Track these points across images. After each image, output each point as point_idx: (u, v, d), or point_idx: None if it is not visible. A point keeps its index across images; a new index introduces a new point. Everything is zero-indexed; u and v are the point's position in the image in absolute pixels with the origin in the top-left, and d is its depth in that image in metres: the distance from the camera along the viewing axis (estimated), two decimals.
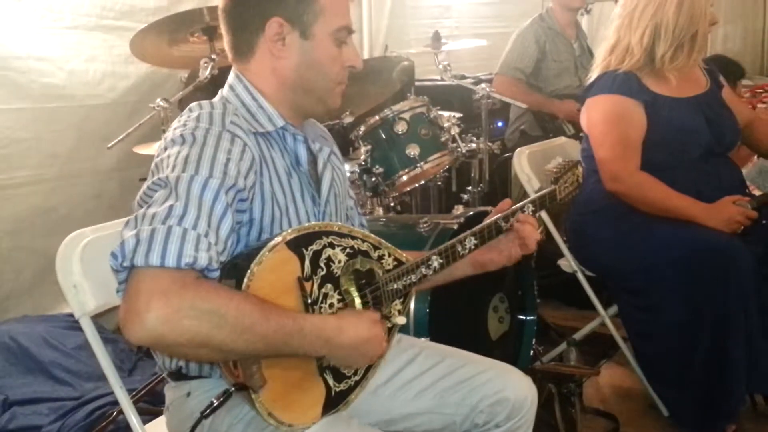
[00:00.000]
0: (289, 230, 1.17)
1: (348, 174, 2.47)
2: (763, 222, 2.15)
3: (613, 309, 2.45)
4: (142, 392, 2.17)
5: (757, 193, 2.44)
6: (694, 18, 2.17)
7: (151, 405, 2.15)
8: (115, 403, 1.54)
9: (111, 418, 2.14)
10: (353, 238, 1.28)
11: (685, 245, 2.09)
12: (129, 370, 2.58)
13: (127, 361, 2.60)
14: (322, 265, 1.21)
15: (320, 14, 1.30)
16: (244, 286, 1.08)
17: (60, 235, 1.45)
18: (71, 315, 1.47)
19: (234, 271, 1.11)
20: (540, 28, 3.59)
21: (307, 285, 1.18)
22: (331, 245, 1.23)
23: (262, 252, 1.11)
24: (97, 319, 1.48)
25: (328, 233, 1.23)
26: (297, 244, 1.17)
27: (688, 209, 2.15)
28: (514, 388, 1.47)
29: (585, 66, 3.66)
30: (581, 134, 2.44)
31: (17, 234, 2.85)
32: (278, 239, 1.14)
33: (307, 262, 1.18)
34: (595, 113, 2.29)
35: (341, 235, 1.26)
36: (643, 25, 2.19)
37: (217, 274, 1.08)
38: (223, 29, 1.36)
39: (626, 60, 2.23)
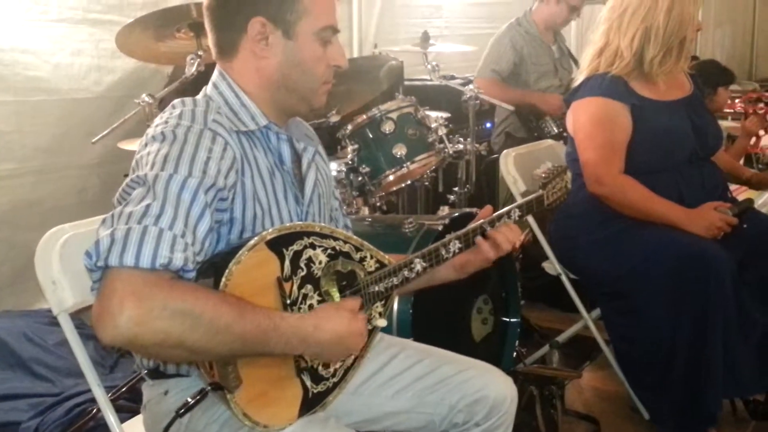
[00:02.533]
0: (270, 230, 1.16)
1: (334, 173, 2.47)
2: (744, 226, 2.16)
3: (597, 312, 2.45)
4: (123, 390, 2.16)
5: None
6: (684, 23, 2.18)
7: (131, 402, 2.14)
8: (96, 400, 1.54)
9: (91, 415, 2.12)
10: (335, 239, 1.27)
11: (667, 250, 2.10)
12: (110, 367, 2.55)
13: (108, 358, 2.58)
14: (302, 265, 1.20)
15: (304, 14, 1.28)
16: (222, 285, 1.07)
17: (42, 230, 1.44)
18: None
19: (212, 269, 1.10)
20: (517, 33, 3.57)
21: (287, 285, 1.17)
22: (312, 246, 1.22)
23: (241, 251, 1.10)
24: (78, 315, 1.47)
25: (309, 234, 1.22)
26: (277, 244, 1.16)
27: (669, 213, 2.16)
28: (493, 387, 1.47)
29: (565, 67, 3.67)
30: (565, 133, 2.44)
31: None
32: (258, 238, 1.13)
33: (287, 263, 1.17)
34: (581, 115, 2.28)
35: (323, 236, 1.25)
36: (633, 29, 2.19)
37: (193, 275, 1.07)
38: (207, 27, 1.35)
39: (616, 63, 2.23)
